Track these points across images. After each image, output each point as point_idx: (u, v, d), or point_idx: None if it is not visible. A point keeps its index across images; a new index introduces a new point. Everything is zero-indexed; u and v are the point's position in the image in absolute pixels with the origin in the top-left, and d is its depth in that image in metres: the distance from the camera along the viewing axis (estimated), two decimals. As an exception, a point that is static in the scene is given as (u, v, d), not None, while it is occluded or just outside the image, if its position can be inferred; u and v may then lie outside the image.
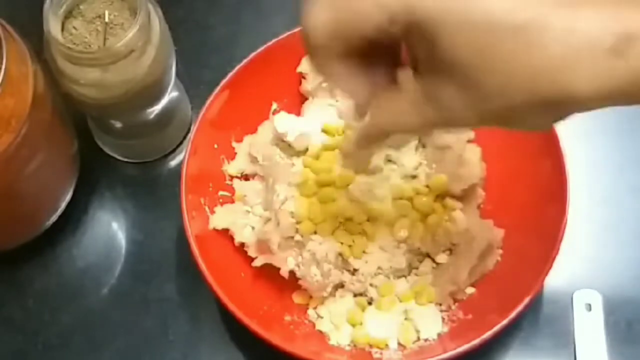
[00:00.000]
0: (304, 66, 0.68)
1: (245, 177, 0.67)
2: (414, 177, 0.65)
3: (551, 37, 0.38)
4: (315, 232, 0.61)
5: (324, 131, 0.65)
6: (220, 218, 0.64)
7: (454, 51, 0.40)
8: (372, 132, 0.48)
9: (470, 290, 0.63)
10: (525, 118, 0.41)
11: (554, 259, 0.59)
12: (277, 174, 0.63)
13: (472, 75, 0.40)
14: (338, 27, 0.43)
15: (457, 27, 0.39)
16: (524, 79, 0.39)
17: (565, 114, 0.41)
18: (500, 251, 0.63)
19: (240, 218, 0.65)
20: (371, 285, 0.62)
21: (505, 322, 0.57)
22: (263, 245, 0.62)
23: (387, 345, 0.61)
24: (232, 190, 0.67)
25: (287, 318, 0.63)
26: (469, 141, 0.67)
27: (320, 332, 0.63)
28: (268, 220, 0.62)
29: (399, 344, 0.61)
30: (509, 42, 0.38)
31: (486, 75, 0.40)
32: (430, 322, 0.61)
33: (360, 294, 0.63)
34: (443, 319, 0.62)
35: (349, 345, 0.62)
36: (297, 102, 0.69)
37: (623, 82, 0.38)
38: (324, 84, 0.67)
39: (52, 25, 0.59)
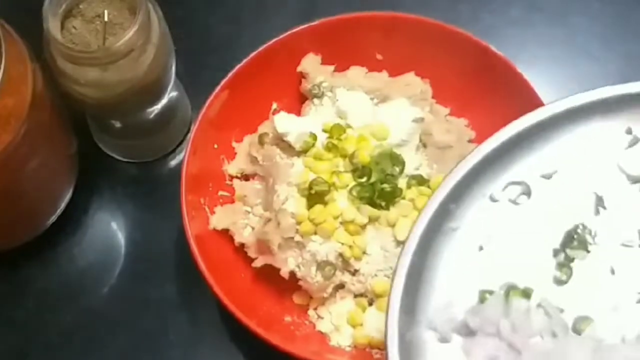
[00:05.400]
0: (304, 66, 0.68)
1: (245, 177, 0.67)
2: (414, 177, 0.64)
3: None
4: (315, 233, 0.61)
5: (324, 131, 0.65)
6: (220, 218, 0.64)
7: None
8: None
9: (470, 290, 0.63)
10: None
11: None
12: (277, 174, 0.63)
13: None
14: None
15: None
16: None
17: None
18: (501, 251, 0.63)
19: (240, 218, 0.65)
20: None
21: (505, 322, 0.57)
22: (263, 246, 0.62)
23: (387, 345, 0.61)
24: (232, 190, 0.67)
25: (288, 319, 0.63)
26: (470, 141, 0.67)
27: (321, 332, 0.63)
28: (268, 220, 0.62)
29: (400, 344, 0.61)
30: None
31: None
32: (431, 323, 0.61)
33: (361, 295, 0.63)
34: (443, 319, 0.62)
35: (349, 346, 0.62)
36: (297, 102, 0.69)
37: None
38: (325, 84, 0.67)
39: (52, 25, 0.59)
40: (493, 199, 0.55)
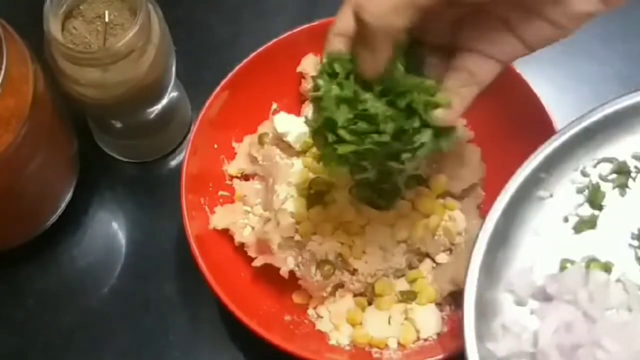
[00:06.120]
0: (304, 66, 0.68)
1: (245, 177, 0.68)
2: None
3: None
4: (314, 233, 0.61)
5: (324, 131, 0.65)
6: (220, 218, 0.64)
7: None
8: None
9: (470, 290, 0.63)
10: None
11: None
12: (277, 174, 0.63)
13: None
14: None
15: None
16: None
17: None
18: (500, 251, 0.63)
19: (240, 218, 0.65)
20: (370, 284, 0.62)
21: (505, 322, 0.58)
22: (263, 245, 0.62)
23: (387, 345, 0.61)
24: (232, 190, 0.67)
25: (287, 318, 0.63)
26: (469, 141, 0.67)
27: (320, 331, 0.63)
28: (268, 220, 0.62)
29: (399, 344, 0.61)
30: None
31: None
32: (430, 322, 0.61)
33: (360, 294, 0.63)
34: (443, 318, 0.62)
35: (348, 345, 0.62)
36: (297, 102, 0.69)
37: None
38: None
39: (52, 26, 0.59)
40: (584, 174, 0.56)
